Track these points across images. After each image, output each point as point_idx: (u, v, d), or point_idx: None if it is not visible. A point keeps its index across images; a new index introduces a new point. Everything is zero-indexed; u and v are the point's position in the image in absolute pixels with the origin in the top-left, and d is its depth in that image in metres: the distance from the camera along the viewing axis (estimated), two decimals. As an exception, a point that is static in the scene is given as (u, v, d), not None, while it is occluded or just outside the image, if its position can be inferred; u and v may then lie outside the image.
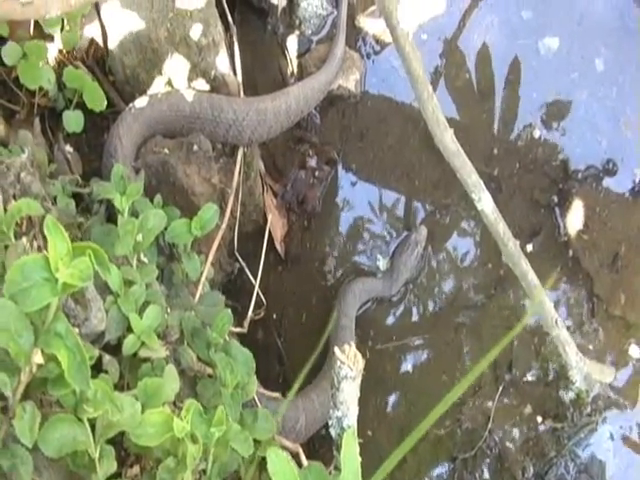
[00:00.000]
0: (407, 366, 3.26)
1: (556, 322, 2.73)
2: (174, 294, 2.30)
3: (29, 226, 1.92)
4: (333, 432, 2.20)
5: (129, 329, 1.96)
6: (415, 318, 3.32)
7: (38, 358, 1.55)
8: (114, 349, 1.97)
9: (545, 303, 2.75)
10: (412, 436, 1.31)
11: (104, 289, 1.96)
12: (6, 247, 1.79)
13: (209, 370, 2.21)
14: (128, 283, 2.01)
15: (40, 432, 1.54)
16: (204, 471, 1.91)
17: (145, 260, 2.21)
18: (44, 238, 1.90)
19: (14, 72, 2.69)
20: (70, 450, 1.59)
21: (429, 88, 2.55)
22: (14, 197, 1.96)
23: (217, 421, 1.79)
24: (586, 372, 2.79)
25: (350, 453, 1.82)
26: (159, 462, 1.79)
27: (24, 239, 1.83)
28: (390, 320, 3.31)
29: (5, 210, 1.83)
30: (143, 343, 1.95)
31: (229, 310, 2.25)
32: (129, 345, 1.94)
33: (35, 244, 1.87)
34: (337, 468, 1.90)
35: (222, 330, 2.17)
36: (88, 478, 1.68)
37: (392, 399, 3.20)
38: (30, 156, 2.05)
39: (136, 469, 1.86)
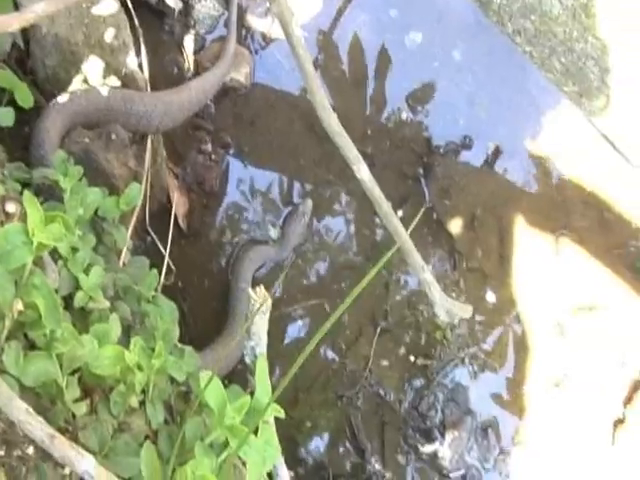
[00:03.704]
0: (296, 327, 3.60)
1: (423, 268, 3.05)
2: (105, 261, 2.63)
3: (-10, 206, 2.23)
4: (248, 359, 2.62)
5: (77, 287, 2.27)
6: (305, 280, 3.66)
7: (19, 306, 1.92)
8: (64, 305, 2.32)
9: (413, 252, 3.05)
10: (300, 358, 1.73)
11: (52, 256, 2.32)
12: (-25, 224, 2.11)
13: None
14: (73, 250, 2.32)
15: (21, 366, 1.90)
16: (143, 402, 2.31)
17: (80, 233, 2.54)
18: (5, 214, 2.27)
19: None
20: (44, 380, 1.94)
21: (317, 81, 2.83)
22: (-24, 182, 2.27)
23: (157, 354, 2.16)
24: (448, 307, 3.12)
25: (262, 375, 2.24)
26: (111, 390, 2.18)
27: (-13, 215, 2.17)
28: (282, 284, 3.63)
29: (-30, 193, 2.17)
30: (90, 297, 2.27)
31: (155, 270, 2.62)
32: (79, 299, 2.25)
33: (-2, 220, 2.21)
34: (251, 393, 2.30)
35: (150, 286, 2.52)
36: (55, 403, 2.03)
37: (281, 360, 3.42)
38: (-15, 148, 2.38)
39: (87, 401, 2.23)
